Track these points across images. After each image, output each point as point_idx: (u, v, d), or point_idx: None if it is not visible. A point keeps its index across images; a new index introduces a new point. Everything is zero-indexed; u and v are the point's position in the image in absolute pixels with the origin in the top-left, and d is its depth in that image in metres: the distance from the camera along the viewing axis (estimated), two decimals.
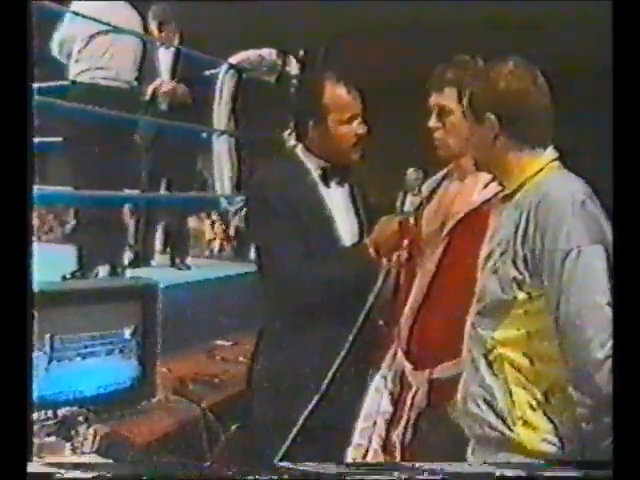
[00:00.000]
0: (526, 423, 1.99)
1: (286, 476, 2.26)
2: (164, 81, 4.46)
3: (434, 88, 2.41)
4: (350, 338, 2.47)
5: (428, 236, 2.46)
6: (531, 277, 1.97)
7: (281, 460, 2.41)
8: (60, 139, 4.02)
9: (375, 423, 2.46)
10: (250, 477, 2.24)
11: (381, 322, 2.61)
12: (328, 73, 2.63)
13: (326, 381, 2.46)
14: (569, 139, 2.11)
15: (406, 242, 2.49)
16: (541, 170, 2.04)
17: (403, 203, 2.53)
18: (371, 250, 2.51)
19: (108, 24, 4.03)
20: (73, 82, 4.05)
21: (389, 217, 2.53)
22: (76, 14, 3.96)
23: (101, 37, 4.06)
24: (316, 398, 2.46)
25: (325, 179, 2.61)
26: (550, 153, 2.07)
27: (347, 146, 2.59)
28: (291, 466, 2.30)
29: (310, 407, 2.45)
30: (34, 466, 2.20)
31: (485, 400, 2.03)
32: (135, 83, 4.23)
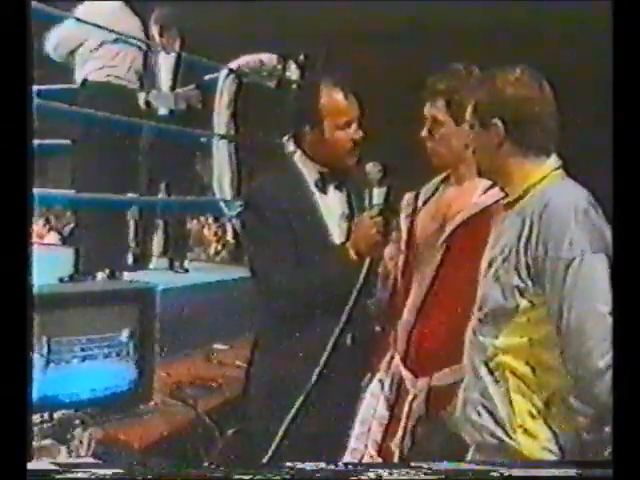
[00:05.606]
0: (526, 431, 1.99)
1: (283, 475, 2.25)
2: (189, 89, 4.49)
3: (427, 98, 2.44)
4: (334, 334, 2.47)
5: (425, 240, 2.45)
6: (533, 285, 1.98)
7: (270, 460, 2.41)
8: (67, 142, 4.01)
9: (370, 428, 2.46)
10: (245, 477, 2.24)
11: (378, 328, 2.60)
12: (326, 77, 2.63)
13: (312, 380, 2.46)
14: (568, 146, 2.12)
15: (381, 236, 2.49)
16: (544, 178, 2.04)
17: (371, 198, 2.53)
18: (352, 252, 2.51)
19: (112, 30, 4.05)
20: (84, 81, 4.05)
21: (361, 216, 2.53)
22: (79, 20, 3.97)
23: (112, 39, 4.08)
24: (301, 398, 2.45)
25: (323, 185, 2.61)
26: (553, 161, 2.07)
27: (343, 151, 2.58)
28: (286, 465, 2.30)
29: (294, 409, 2.45)
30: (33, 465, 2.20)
31: (485, 407, 2.03)
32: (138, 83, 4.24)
